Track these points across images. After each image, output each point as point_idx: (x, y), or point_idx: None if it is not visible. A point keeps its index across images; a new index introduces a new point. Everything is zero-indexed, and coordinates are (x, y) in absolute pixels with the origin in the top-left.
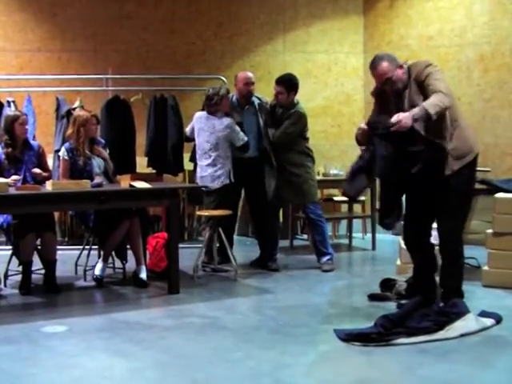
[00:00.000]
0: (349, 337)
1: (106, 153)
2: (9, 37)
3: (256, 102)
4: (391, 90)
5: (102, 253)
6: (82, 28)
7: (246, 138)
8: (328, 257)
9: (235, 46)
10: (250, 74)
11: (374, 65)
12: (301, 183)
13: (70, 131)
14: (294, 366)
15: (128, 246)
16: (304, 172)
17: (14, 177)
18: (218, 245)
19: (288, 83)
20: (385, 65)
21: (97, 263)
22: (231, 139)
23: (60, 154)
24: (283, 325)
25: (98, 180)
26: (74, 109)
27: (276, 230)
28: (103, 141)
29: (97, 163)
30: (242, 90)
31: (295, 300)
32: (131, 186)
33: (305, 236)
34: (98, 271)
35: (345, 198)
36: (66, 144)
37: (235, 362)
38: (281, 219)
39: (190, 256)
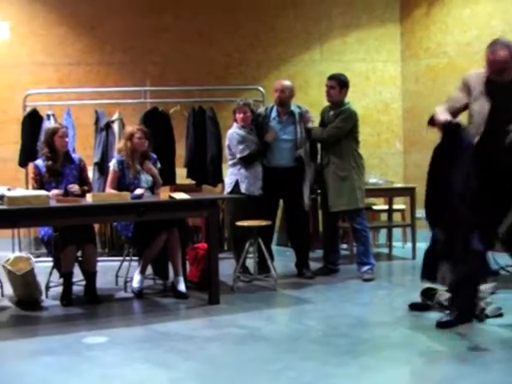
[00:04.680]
0: None
1: (155, 169)
2: (48, 51)
3: (296, 111)
4: (497, 79)
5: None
6: (120, 41)
7: (245, 153)
8: (369, 266)
9: (272, 56)
10: (281, 81)
11: (494, 49)
12: (348, 188)
13: (120, 144)
14: (336, 377)
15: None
16: (352, 177)
17: (55, 191)
18: (256, 255)
19: (341, 79)
20: (506, 53)
21: (134, 276)
22: (230, 149)
23: (110, 164)
24: (324, 335)
25: (138, 192)
26: (112, 121)
27: (309, 238)
28: (155, 156)
29: (145, 178)
30: (274, 98)
31: (335, 310)
32: (170, 197)
33: (344, 245)
34: (136, 283)
35: (385, 207)
36: (118, 156)
37: (276, 373)
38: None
39: (229, 266)
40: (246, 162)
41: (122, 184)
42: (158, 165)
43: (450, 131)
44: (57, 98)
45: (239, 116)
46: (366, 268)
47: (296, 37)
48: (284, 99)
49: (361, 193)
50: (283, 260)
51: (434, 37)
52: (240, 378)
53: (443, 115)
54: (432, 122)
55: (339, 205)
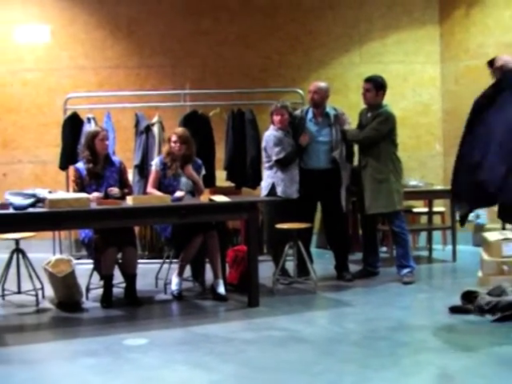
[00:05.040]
0: None
1: (196, 175)
2: (88, 54)
3: (331, 112)
4: None
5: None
6: (159, 44)
7: (281, 155)
8: (409, 269)
9: (311, 59)
10: (315, 83)
11: None
12: (385, 191)
13: (164, 146)
14: (375, 380)
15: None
16: (390, 179)
17: (96, 194)
18: (296, 257)
19: (377, 81)
20: None
21: (172, 278)
22: (267, 151)
23: (152, 163)
24: (363, 338)
25: (178, 194)
26: (152, 124)
27: (348, 241)
28: (200, 162)
29: (185, 181)
30: (308, 99)
31: (375, 313)
32: (211, 199)
33: (384, 248)
34: (174, 286)
35: (425, 210)
36: (161, 156)
37: (316, 375)
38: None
39: (268, 269)
40: (281, 164)
41: (161, 184)
42: (203, 171)
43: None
44: (97, 101)
45: (276, 118)
46: (405, 271)
47: (335, 39)
48: (318, 100)
49: (398, 195)
50: (323, 262)
51: (473, 38)
52: (279, 381)
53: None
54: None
55: (376, 207)
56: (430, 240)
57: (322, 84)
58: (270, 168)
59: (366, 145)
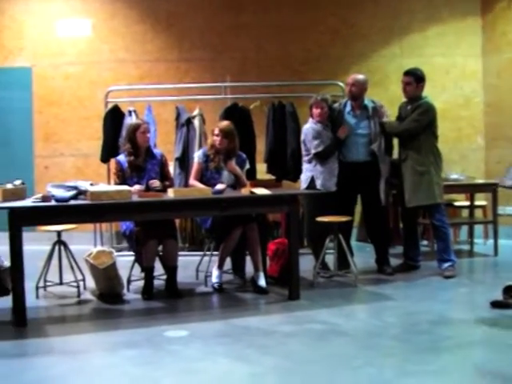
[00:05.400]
0: None
1: (239, 170)
2: (128, 48)
3: (370, 105)
4: None
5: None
6: (198, 37)
7: (319, 148)
8: (450, 263)
9: (351, 52)
10: (353, 75)
11: None
12: (426, 183)
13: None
14: (416, 374)
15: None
16: (431, 172)
17: (137, 186)
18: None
19: (417, 74)
20: None
21: (213, 271)
22: (306, 145)
23: (195, 155)
24: (404, 332)
25: (219, 187)
26: (193, 117)
27: (388, 234)
28: (244, 156)
29: (227, 175)
30: (346, 92)
31: (416, 307)
32: (252, 192)
33: (425, 242)
34: (215, 279)
35: (466, 203)
36: (204, 148)
37: (356, 369)
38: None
39: (309, 262)
40: (320, 157)
41: (203, 177)
42: (247, 165)
43: None
44: (137, 95)
45: (316, 111)
46: (446, 265)
47: (376, 32)
48: (356, 93)
49: (439, 188)
50: (363, 256)
51: None
52: (320, 374)
53: None
54: None
55: (416, 200)
56: (471, 234)
57: (360, 76)
58: (309, 161)
59: (406, 137)
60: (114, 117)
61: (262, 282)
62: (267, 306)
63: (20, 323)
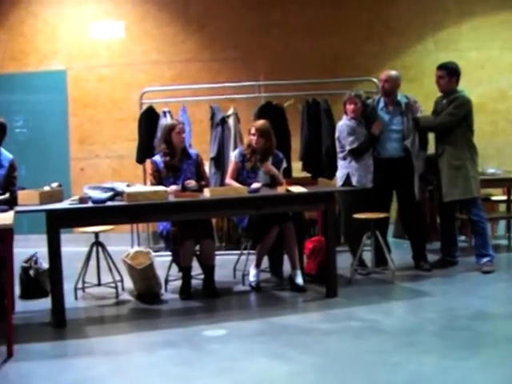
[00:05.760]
0: None
1: (275, 170)
2: (161, 49)
3: (403, 101)
4: None
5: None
6: (230, 37)
7: (354, 145)
8: (488, 258)
9: (386, 47)
10: (386, 71)
11: None
12: (462, 177)
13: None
14: (456, 371)
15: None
16: (467, 166)
17: (173, 187)
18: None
19: (450, 68)
20: None
21: (250, 270)
22: (340, 141)
23: (232, 155)
24: (443, 328)
25: (254, 186)
26: (228, 116)
27: (425, 230)
28: (281, 155)
29: (263, 174)
30: (379, 88)
31: (454, 303)
32: (288, 190)
33: (462, 237)
34: (252, 277)
35: (503, 198)
36: (241, 148)
37: (395, 366)
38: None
39: (346, 259)
40: (355, 154)
41: (240, 176)
42: (284, 164)
43: None
44: (171, 95)
45: (349, 107)
46: (485, 260)
47: (410, 27)
48: (389, 89)
49: (475, 182)
50: (400, 252)
51: None
52: (359, 371)
53: None
54: None
55: (453, 194)
56: (508, 228)
57: (393, 72)
58: (344, 158)
59: (442, 131)
60: (149, 118)
61: (300, 280)
62: (305, 304)
63: (59, 324)
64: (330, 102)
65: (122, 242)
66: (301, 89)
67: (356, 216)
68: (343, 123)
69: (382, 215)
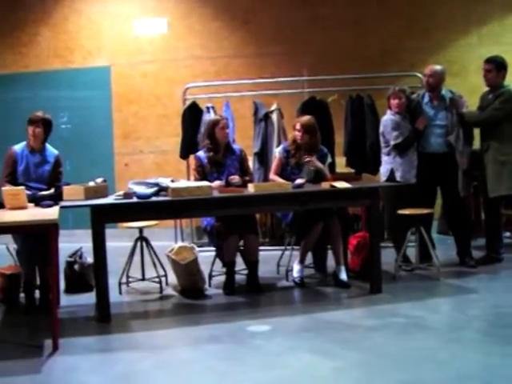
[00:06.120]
0: None
1: (320, 165)
2: (205, 45)
3: (447, 96)
4: None
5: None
6: (275, 32)
7: (398, 140)
8: None
9: (429, 42)
10: (431, 66)
11: None
12: (508, 173)
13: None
14: (503, 368)
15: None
16: None
17: (217, 182)
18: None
19: (498, 62)
20: None
21: (294, 265)
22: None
23: (276, 150)
24: (489, 325)
25: (298, 181)
26: (271, 112)
27: (470, 226)
28: (325, 150)
29: (307, 170)
30: (424, 83)
31: (500, 300)
32: (332, 186)
33: (507, 233)
34: (296, 273)
35: None
36: (285, 143)
37: (441, 363)
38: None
39: (390, 255)
40: (399, 148)
41: (284, 171)
42: (329, 159)
43: None
44: (215, 91)
45: (394, 102)
46: None
47: (454, 21)
48: (433, 84)
49: None
50: (444, 248)
51: None
52: (404, 368)
53: None
54: None
55: (498, 190)
56: None
57: (438, 67)
58: (388, 153)
59: (488, 126)
60: (193, 113)
61: (344, 275)
62: (349, 299)
63: (104, 319)
64: (375, 96)
65: (166, 237)
66: (344, 84)
67: (400, 212)
68: (387, 118)
69: (426, 211)
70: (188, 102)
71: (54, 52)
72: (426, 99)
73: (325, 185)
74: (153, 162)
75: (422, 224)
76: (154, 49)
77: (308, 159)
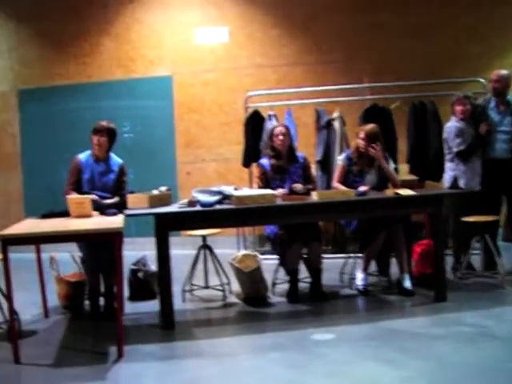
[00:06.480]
0: None
1: (388, 167)
2: (265, 53)
3: None
4: None
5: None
6: (335, 40)
7: (461, 147)
8: None
9: (492, 47)
10: (497, 71)
11: None
12: None
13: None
14: None
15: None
16: None
17: (281, 190)
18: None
19: None
20: None
21: (357, 273)
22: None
23: (339, 158)
24: None
25: (362, 189)
26: (333, 119)
27: None
28: (386, 155)
29: (370, 178)
30: (490, 88)
31: None
32: (396, 193)
33: None
34: (359, 281)
35: None
36: (348, 151)
37: (509, 373)
38: None
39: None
40: (462, 156)
41: (346, 179)
42: (392, 165)
43: None
44: (276, 99)
45: (458, 108)
46: None
47: None
48: (499, 89)
49: None
50: (509, 256)
51: None
52: (471, 378)
53: None
54: None
55: None
56: None
57: (504, 72)
58: (452, 160)
59: None
60: (255, 121)
61: (408, 283)
62: (413, 308)
63: (168, 326)
64: (438, 103)
65: (228, 245)
66: (406, 90)
67: (464, 219)
68: (451, 124)
69: (491, 218)
70: (250, 110)
71: (117, 62)
72: (492, 104)
73: (389, 192)
74: (214, 171)
75: (488, 231)
76: (215, 57)
77: (373, 151)
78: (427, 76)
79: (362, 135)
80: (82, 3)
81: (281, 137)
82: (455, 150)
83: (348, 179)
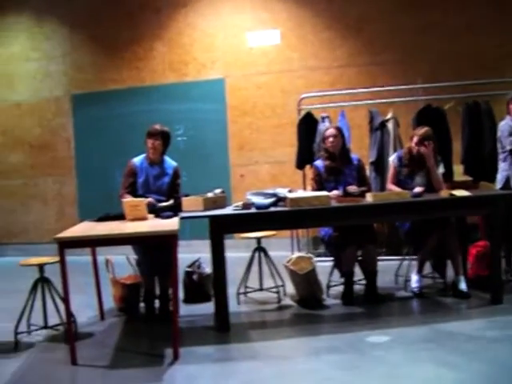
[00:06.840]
0: None
1: (436, 171)
2: (318, 55)
3: None
4: None
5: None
6: (388, 40)
7: (508, 147)
8: None
9: None
10: None
11: None
12: None
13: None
14: None
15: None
16: None
17: (335, 192)
18: None
19: None
20: None
21: (412, 276)
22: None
23: (390, 159)
24: None
25: (417, 190)
26: (387, 120)
27: None
28: (438, 158)
29: (420, 180)
30: None
31: None
32: (451, 194)
33: None
34: (414, 283)
35: None
36: (399, 152)
37: None
38: None
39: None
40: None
41: (398, 180)
42: (441, 169)
43: None
44: (329, 101)
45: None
46: None
47: None
48: None
49: None
50: None
51: None
52: None
53: None
54: None
55: None
56: None
57: None
58: (505, 159)
59: None
60: (308, 123)
61: (463, 285)
62: (469, 310)
63: (223, 328)
64: (492, 103)
65: (282, 247)
66: (461, 90)
67: None
68: (505, 123)
69: None
70: (303, 113)
71: (169, 66)
72: None
73: (444, 193)
74: (268, 173)
75: None
76: (267, 60)
77: (424, 149)
78: (482, 75)
79: (415, 139)
80: (135, 9)
81: (331, 139)
82: (508, 147)
83: (399, 178)
